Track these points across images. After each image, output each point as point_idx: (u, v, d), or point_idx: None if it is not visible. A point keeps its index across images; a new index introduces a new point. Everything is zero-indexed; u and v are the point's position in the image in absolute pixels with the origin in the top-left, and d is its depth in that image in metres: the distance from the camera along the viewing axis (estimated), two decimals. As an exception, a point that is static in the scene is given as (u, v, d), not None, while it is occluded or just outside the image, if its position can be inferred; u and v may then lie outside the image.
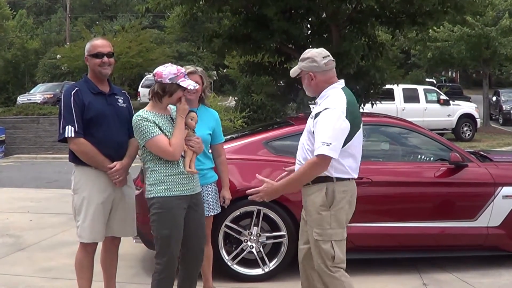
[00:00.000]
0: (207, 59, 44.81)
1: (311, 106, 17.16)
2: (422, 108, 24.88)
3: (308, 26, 15.77)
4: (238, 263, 6.63)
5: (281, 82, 16.67)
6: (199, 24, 16.14)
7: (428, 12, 13.86)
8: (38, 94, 32.11)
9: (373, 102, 15.04)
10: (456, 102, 26.64)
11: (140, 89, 33.93)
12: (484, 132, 28.26)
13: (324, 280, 4.63)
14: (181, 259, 5.15)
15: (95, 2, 67.33)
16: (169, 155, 4.76)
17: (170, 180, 4.82)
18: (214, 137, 5.63)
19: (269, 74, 15.98)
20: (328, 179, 4.55)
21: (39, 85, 36.57)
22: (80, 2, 64.62)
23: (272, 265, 6.64)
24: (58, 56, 38.56)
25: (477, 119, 25.96)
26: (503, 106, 34.40)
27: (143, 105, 23.22)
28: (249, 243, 6.61)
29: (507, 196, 6.86)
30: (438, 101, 25.34)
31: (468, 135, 25.37)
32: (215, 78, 51.81)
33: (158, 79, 4.88)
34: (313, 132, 4.52)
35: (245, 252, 6.63)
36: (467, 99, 34.21)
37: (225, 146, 6.60)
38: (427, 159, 7.39)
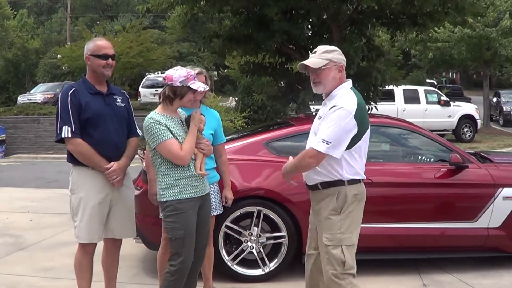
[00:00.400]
0: (208, 60, 44.88)
1: (311, 106, 17.18)
2: (423, 109, 24.87)
3: (309, 26, 15.81)
4: (238, 264, 6.63)
5: (282, 82, 16.69)
6: (200, 24, 16.16)
7: (429, 13, 13.88)
8: (38, 94, 32.08)
9: (374, 105, 15.06)
10: (457, 103, 26.65)
11: (140, 89, 33.86)
12: (484, 133, 28.26)
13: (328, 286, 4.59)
14: None
15: (96, 2, 67.37)
16: (179, 159, 4.78)
17: (182, 183, 4.84)
18: (216, 138, 5.63)
19: (270, 74, 16.01)
20: (340, 183, 4.52)
21: (39, 85, 36.53)
22: (81, 2, 64.65)
23: (272, 265, 6.64)
24: (58, 56, 38.52)
25: (478, 120, 25.96)
26: (504, 107, 34.42)
27: (144, 105, 23.24)
28: (249, 244, 6.61)
29: (507, 197, 6.86)
30: (439, 102, 25.34)
31: (469, 136, 25.37)
32: (215, 78, 51.81)
33: (169, 82, 4.87)
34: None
35: (245, 253, 6.63)
36: (468, 100, 34.26)
37: (226, 147, 6.61)
38: (428, 160, 7.39)
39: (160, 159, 4.84)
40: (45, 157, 23.61)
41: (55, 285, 6.58)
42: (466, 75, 61.75)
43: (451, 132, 25.25)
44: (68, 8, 49.72)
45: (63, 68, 39.93)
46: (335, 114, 4.41)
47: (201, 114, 5.14)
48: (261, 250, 6.64)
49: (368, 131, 4.66)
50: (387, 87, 18.47)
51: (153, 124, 4.76)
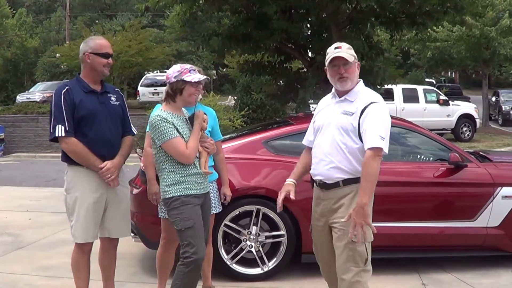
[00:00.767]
0: (207, 59, 44.80)
1: (311, 105, 17.18)
2: (422, 108, 24.88)
3: (308, 25, 15.82)
4: (237, 263, 6.62)
5: (281, 81, 16.70)
6: (199, 23, 16.13)
7: (428, 12, 13.90)
8: (37, 92, 32.10)
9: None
10: (456, 102, 26.64)
11: (139, 88, 33.85)
12: (483, 132, 28.26)
13: (346, 286, 4.53)
14: None
15: (94, 1, 67.30)
16: (185, 158, 4.80)
17: (189, 180, 4.86)
18: (212, 135, 5.62)
19: (269, 73, 16.02)
20: (358, 180, 4.47)
21: (38, 83, 36.56)
22: (80, 1, 64.62)
23: (271, 264, 6.63)
24: (57, 54, 38.47)
25: (477, 120, 25.97)
26: (503, 107, 34.43)
27: (143, 104, 23.20)
28: (248, 243, 6.60)
29: (506, 196, 6.86)
30: (438, 101, 25.35)
31: (468, 135, 25.37)
32: (214, 77, 51.79)
33: (167, 81, 4.93)
34: (357, 129, 4.44)
35: (244, 252, 6.62)
36: (467, 100, 34.25)
37: (224, 146, 6.62)
38: (427, 159, 7.38)
39: (165, 157, 4.85)
40: (44, 156, 23.62)
41: (53, 283, 6.58)
42: (465, 75, 61.78)
43: (450, 131, 25.25)
44: (67, 7, 49.65)
45: (62, 67, 39.86)
46: (381, 110, 4.46)
47: (204, 113, 5.17)
48: (260, 249, 6.64)
49: None
50: (386, 86, 18.46)
51: (160, 122, 4.77)
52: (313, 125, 4.90)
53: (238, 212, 6.57)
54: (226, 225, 6.52)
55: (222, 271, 6.54)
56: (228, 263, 6.58)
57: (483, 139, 25.66)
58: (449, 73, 62.05)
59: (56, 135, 4.99)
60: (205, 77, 4.96)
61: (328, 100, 4.83)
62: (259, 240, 6.61)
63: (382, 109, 4.47)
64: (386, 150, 4.37)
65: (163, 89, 5.15)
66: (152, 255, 6.03)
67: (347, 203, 4.52)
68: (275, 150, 6.91)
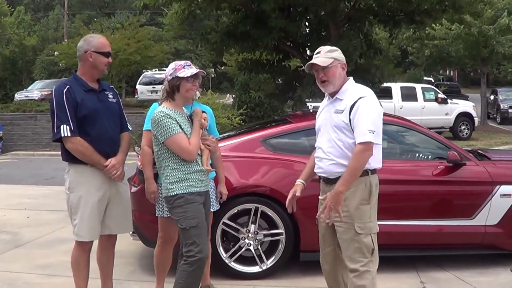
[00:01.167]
0: (205, 57, 44.82)
1: (308, 104, 17.19)
2: (420, 107, 24.88)
3: (307, 24, 15.81)
4: (236, 261, 6.62)
5: (279, 79, 16.69)
6: (197, 21, 16.13)
7: (426, 10, 13.89)
8: (35, 91, 32.08)
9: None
10: (454, 100, 26.63)
11: (138, 86, 33.82)
12: (481, 131, 28.30)
13: (355, 275, 4.61)
14: (182, 252, 5.19)
15: (93, -2, 67.31)
16: (188, 154, 4.82)
17: (192, 177, 4.88)
18: (209, 133, 5.61)
19: (267, 71, 16.02)
20: (364, 173, 4.59)
21: (36, 82, 36.53)
22: (78, -1, 64.59)
23: (269, 262, 6.63)
24: (55, 53, 38.47)
25: (475, 118, 25.99)
26: (501, 105, 34.42)
27: (141, 102, 23.18)
28: (246, 241, 6.60)
29: (505, 194, 6.86)
30: (436, 99, 25.37)
31: (466, 133, 25.38)
32: (213, 75, 51.76)
33: (165, 80, 4.97)
34: (349, 124, 4.54)
35: (242, 250, 6.62)
36: (465, 98, 34.20)
37: (223, 144, 6.61)
38: (425, 157, 7.39)
39: (168, 153, 4.86)
40: (42, 154, 23.61)
41: (52, 282, 6.57)
42: (463, 73, 61.82)
43: (448, 129, 25.26)
44: (65, 5, 49.58)
45: (60, 65, 39.86)
46: (368, 104, 4.55)
47: (203, 112, 5.18)
48: (259, 247, 6.63)
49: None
50: (384, 84, 18.48)
51: (163, 118, 4.78)
52: (316, 127, 5.02)
53: (236, 210, 6.56)
54: (224, 223, 6.52)
55: (220, 270, 6.54)
56: (227, 261, 6.58)
57: (482, 138, 25.68)
58: (448, 71, 62.06)
59: (62, 135, 4.97)
60: (197, 70, 4.96)
61: (325, 101, 4.96)
62: (257, 238, 6.61)
63: (370, 103, 4.56)
64: (376, 141, 4.50)
65: (161, 87, 5.14)
66: (150, 253, 6.02)
67: (349, 198, 4.60)
68: (274, 148, 6.90)
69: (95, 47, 5.17)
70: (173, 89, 4.91)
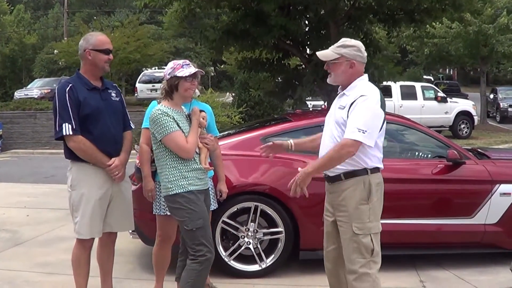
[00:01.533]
0: (205, 55, 44.79)
1: (308, 102, 17.18)
2: (420, 105, 24.89)
3: (307, 22, 15.80)
4: (235, 259, 6.62)
5: (279, 78, 16.68)
6: (197, 20, 16.14)
7: (426, 9, 13.88)
8: (35, 89, 32.04)
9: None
10: (454, 99, 26.67)
11: (137, 84, 33.81)
12: (481, 129, 28.30)
13: (354, 277, 4.58)
14: (183, 250, 5.20)
15: (92, -3, 67.27)
16: (185, 152, 4.81)
17: (191, 176, 4.87)
18: (209, 132, 5.59)
19: (267, 70, 16.01)
20: (363, 172, 4.54)
21: (36, 80, 36.49)
22: (78, -3, 64.55)
23: (269, 261, 6.63)
24: (55, 51, 38.45)
25: (475, 117, 26.01)
26: (501, 104, 34.42)
27: (141, 100, 23.16)
28: (246, 239, 6.60)
29: (504, 193, 6.86)
30: (436, 98, 25.38)
31: (466, 132, 25.39)
32: (212, 74, 51.73)
33: (164, 79, 4.97)
34: (345, 122, 4.49)
35: (242, 248, 6.62)
36: (465, 97, 34.21)
37: (222, 142, 6.62)
38: (425, 156, 7.39)
39: (166, 152, 4.85)
40: (42, 152, 23.62)
41: (51, 280, 6.57)
42: (463, 72, 61.79)
43: (448, 128, 25.27)
44: (65, 3, 49.52)
45: (60, 63, 39.83)
46: (366, 103, 4.45)
47: (202, 111, 5.18)
48: (258, 245, 6.63)
49: (385, 123, 4.67)
50: (384, 83, 18.48)
51: (161, 116, 4.78)
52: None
53: (236, 209, 6.57)
54: (224, 222, 6.52)
55: (220, 268, 6.53)
56: (226, 259, 6.58)
57: (481, 136, 25.68)
58: (447, 70, 62.07)
59: (64, 133, 4.98)
60: (196, 70, 4.95)
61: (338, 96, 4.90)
62: (257, 237, 6.61)
63: (368, 103, 4.46)
64: (368, 143, 4.41)
65: (160, 86, 5.14)
66: (150, 251, 6.03)
67: (348, 197, 4.58)
68: (273, 147, 6.90)
69: (93, 45, 5.18)
70: (172, 88, 4.90)
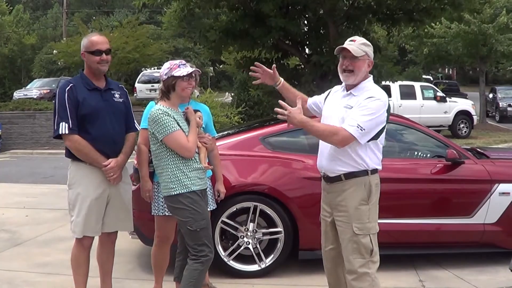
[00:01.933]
0: (204, 55, 44.75)
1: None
2: (419, 105, 24.88)
3: (305, 22, 15.79)
4: (234, 259, 6.62)
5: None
6: (196, 19, 16.14)
7: (425, 9, 13.88)
8: (34, 89, 31.99)
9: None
10: (453, 99, 26.68)
11: (136, 84, 33.76)
12: (480, 129, 28.30)
13: (354, 277, 4.60)
14: (181, 250, 5.20)
15: (91, -3, 67.29)
16: (187, 151, 4.82)
17: (192, 175, 4.88)
18: (206, 132, 5.60)
19: (266, 70, 15.94)
20: (363, 173, 4.56)
21: (35, 80, 36.44)
22: (77, -3, 64.57)
23: (268, 261, 6.63)
24: (54, 51, 38.46)
25: (474, 116, 25.99)
26: (500, 103, 34.46)
27: (140, 100, 23.15)
28: (245, 239, 6.60)
29: (503, 193, 6.87)
30: (435, 98, 25.37)
31: (465, 132, 25.39)
32: (211, 74, 51.74)
33: (161, 79, 4.98)
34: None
35: (241, 248, 6.62)
36: (464, 96, 34.23)
37: (222, 142, 6.63)
38: (424, 155, 7.39)
39: (167, 152, 4.85)
40: (41, 153, 23.61)
41: (50, 280, 6.57)
42: (462, 71, 61.86)
43: (447, 128, 25.27)
44: (64, 4, 49.54)
45: (59, 63, 39.85)
46: (374, 104, 4.48)
47: (198, 111, 5.20)
48: (257, 245, 6.63)
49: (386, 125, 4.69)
50: (383, 82, 18.47)
51: (162, 115, 4.78)
52: (320, 107, 5.02)
53: (235, 209, 6.56)
54: (223, 222, 6.52)
55: (219, 268, 6.53)
56: (225, 259, 6.58)
57: (480, 136, 25.68)
58: (447, 69, 62.11)
59: (60, 132, 5.02)
60: (193, 69, 4.96)
61: (338, 91, 4.88)
62: (256, 236, 6.61)
63: (375, 105, 4.48)
64: (361, 140, 4.43)
65: (159, 86, 5.14)
66: (149, 252, 6.02)
67: (349, 198, 4.59)
68: (272, 147, 6.91)
69: (85, 47, 5.25)
70: (169, 88, 4.91)
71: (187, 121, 5.01)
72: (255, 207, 6.54)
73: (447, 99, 25.70)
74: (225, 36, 14.10)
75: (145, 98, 29.67)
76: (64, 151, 5.34)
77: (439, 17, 15.65)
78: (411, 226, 6.78)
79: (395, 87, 24.74)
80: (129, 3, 50.62)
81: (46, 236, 8.61)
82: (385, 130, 4.63)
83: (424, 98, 25.27)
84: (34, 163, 19.70)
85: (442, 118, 25.14)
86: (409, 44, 36.55)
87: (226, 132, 7.86)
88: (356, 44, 4.67)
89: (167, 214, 5.28)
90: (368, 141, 4.50)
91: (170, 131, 4.75)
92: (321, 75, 13.29)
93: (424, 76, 45.44)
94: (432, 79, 46.69)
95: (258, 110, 23.13)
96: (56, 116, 5.07)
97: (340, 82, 4.86)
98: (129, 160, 5.40)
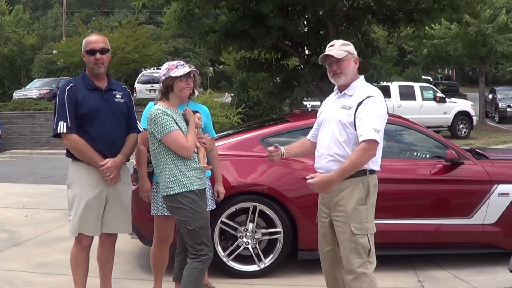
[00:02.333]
0: (204, 55, 44.79)
1: (307, 103, 17.17)
2: (418, 106, 24.89)
3: (305, 23, 15.79)
4: (234, 259, 6.62)
5: (278, 78, 16.67)
6: (196, 20, 16.15)
7: (425, 9, 13.88)
8: (34, 89, 31.98)
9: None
10: (452, 99, 26.68)
11: (136, 85, 33.73)
12: (480, 129, 28.31)
13: (352, 278, 4.62)
14: (180, 250, 5.21)
15: (91, -3, 67.29)
16: (186, 150, 4.85)
17: (191, 175, 4.90)
18: (205, 132, 5.61)
19: (266, 70, 16.00)
20: (362, 173, 4.59)
21: (35, 80, 36.41)
22: (77, -3, 64.57)
23: (267, 261, 6.63)
24: (54, 51, 38.43)
25: (473, 117, 26.01)
26: (499, 104, 34.44)
27: (139, 101, 23.15)
28: (244, 240, 6.60)
29: (502, 193, 6.87)
30: (434, 98, 25.38)
31: (464, 132, 25.40)
32: (211, 74, 51.74)
33: (160, 80, 5.01)
34: (353, 122, 4.54)
35: (240, 248, 6.63)
36: (463, 97, 34.23)
37: (221, 142, 6.63)
38: (423, 156, 7.39)
39: (165, 152, 4.87)
40: (40, 153, 23.60)
41: (50, 280, 6.58)
42: (462, 72, 61.84)
43: (446, 128, 25.27)
44: (63, 4, 49.54)
45: (59, 63, 39.83)
46: (375, 103, 4.55)
47: (197, 112, 5.22)
48: (257, 246, 6.63)
49: None
50: (382, 83, 18.51)
51: (161, 115, 4.81)
52: (317, 120, 5.03)
53: (234, 209, 6.57)
54: (222, 222, 6.53)
55: (218, 268, 6.54)
56: (225, 260, 6.59)
57: (480, 137, 25.69)
58: (446, 70, 62.10)
59: (58, 131, 5.05)
60: (190, 69, 4.98)
61: (332, 96, 4.95)
62: (255, 237, 6.61)
63: (378, 103, 4.57)
64: (380, 142, 4.50)
65: (159, 86, 5.17)
66: (148, 252, 6.03)
67: (346, 197, 4.60)
68: (272, 147, 6.90)
69: (83, 48, 5.31)
70: (167, 89, 4.95)
71: (186, 121, 5.03)
72: (255, 208, 6.55)
73: (447, 99, 25.71)
74: (224, 36, 14.10)
75: (145, 98, 29.64)
76: (65, 151, 5.35)
77: (438, 18, 15.65)
78: (411, 226, 6.79)
79: (394, 87, 24.77)
80: (129, 3, 50.70)
81: (46, 236, 8.62)
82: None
83: (423, 99, 25.28)
84: (34, 163, 19.70)
85: (442, 119, 25.14)
86: (408, 45, 36.55)
87: (225, 133, 7.87)
88: (336, 47, 4.72)
89: (166, 214, 5.29)
90: None
91: (169, 130, 4.78)
92: (320, 75, 13.26)
93: (423, 77, 45.47)
94: (431, 79, 46.68)
95: (258, 111, 23.16)
96: (56, 115, 5.10)
97: None
98: (130, 160, 5.42)
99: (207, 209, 5.61)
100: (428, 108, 24.90)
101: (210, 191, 5.71)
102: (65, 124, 5.02)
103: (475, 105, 27.56)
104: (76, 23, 39.86)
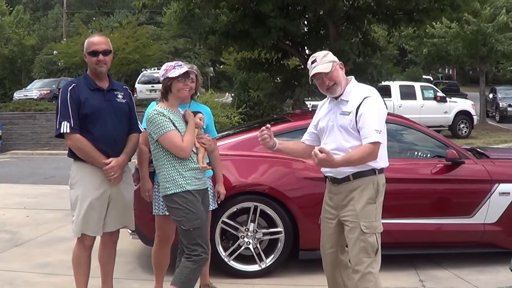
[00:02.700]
0: (204, 55, 44.79)
1: (307, 102, 17.16)
2: (419, 105, 24.89)
3: (305, 23, 15.81)
4: (235, 259, 6.62)
5: (278, 78, 16.69)
6: (196, 20, 16.17)
7: (425, 9, 13.89)
8: (34, 90, 31.96)
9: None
10: (453, 99, 26.69)
11: (136, 85, 33.72)
12: (480, 129, 28.31)
13: (359, 277, 4.61)
14: (182, 250, 5.21)
15: (92, -3, 67.31)
16: (181, 150, 4.85)
17: (188, 175, 4.90)
18: (207, 133, 5.61)
19: (266, 70, 16.02)
20: (371, 172, 4.61)
21: (35, 81, 36.41)
22: (77, -2, 64.60)
23: (268, 261, 6.63)
24: (54, 52, 38.43)
25: (474, 116, 26.01)
26: (500, 103, 34.46)
27: (140, 101, 23.15)
28: (245, 239, 6.60)
29: (503, 193, 6.87)
30: (435, 98, 25.38)
31: (465, 132, 25.41)
32: (211, 74, 51.73)
33: (160, 81, 5.02)
34: (355, 126, 4.54)
35: (241, 248, 6.62)
36: (464, 96, 34.24)
37: (222, 142, 6.63)
38: (424, 155, 7.39)
39: (163, 152, 4.90)
40: (41, 153, 23.59)
41: (51, 281, 6.58)
42: (462, 71, 61.83)
43: (447, 128, 25.27)
44: (64, 4, 49.56)
45: (59, 64, 39.81)
46: (374, 103, 4.56)
47: (199, 112, 5.22)
48: (258, 245, 6.63)
49: None
50: (383, 82, 18.51)
51: (156, 116, 4.83)
52: (317, 126, 5.00)
53: (235, 209, 6.57)
54: (223, 222, 6.53)
55: (219, 268, 6.55)
56: (226, 260, 6.59)
57: (480, 136, 25.69)
58: (447, 70, 62.08)
59: (62, 131, 5.05)
60: (186, 69, 4.97)
61: (326, 103, 4.96)
62: (256, 237, 6.61)
63: (376, 103, 4.58)
64: (382, 141, 4.52)
65: (160, 86, 5.18)
66: (150, 252, 6.03)
67: (357, 197, 4.63)
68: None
69: (85, 49, 5.31)
70: (166, 89, 4.98)
71: (187, 122, 5.04)
72: (256, 207, 6.55)
73: (447, 99, 25.72)
74: (225, 37, 14.12)
75: (145, 98, 29.66)
76: (65, 151, 5.36)
77: (438, 17, 15.67)
78: (411, 226, 6.78)
79: (395, 87, 24.79)
80: (129, 3, 50.67)
81: (47, 236, 8.62)
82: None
83: (424, 98, 25.28)
84: (35, 164, 19.70)
85: (442, 118, 25.15)
86: (409, 45, 36.56)
87: (226, 133, 7.87)
88: (320, 62, 4.70)
89: (167, 214, 5.29)
90: None
91: (165, 131, 4.80)
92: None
93: (424, 76, 45.50)
94: (432, 79, 46.71)
95: (258, 111, 23.16)
96: (58, 115, 5.10)
97: None
98: (132, 160, 5.42)
99: (209, 209, 5.63)
100: (429, 108, 24.91)
101: (212, 191, 5.72)
102: (68, 124, 5.02)
103: (475, 105, 27.58)
104: (77, 24, 39.82)
